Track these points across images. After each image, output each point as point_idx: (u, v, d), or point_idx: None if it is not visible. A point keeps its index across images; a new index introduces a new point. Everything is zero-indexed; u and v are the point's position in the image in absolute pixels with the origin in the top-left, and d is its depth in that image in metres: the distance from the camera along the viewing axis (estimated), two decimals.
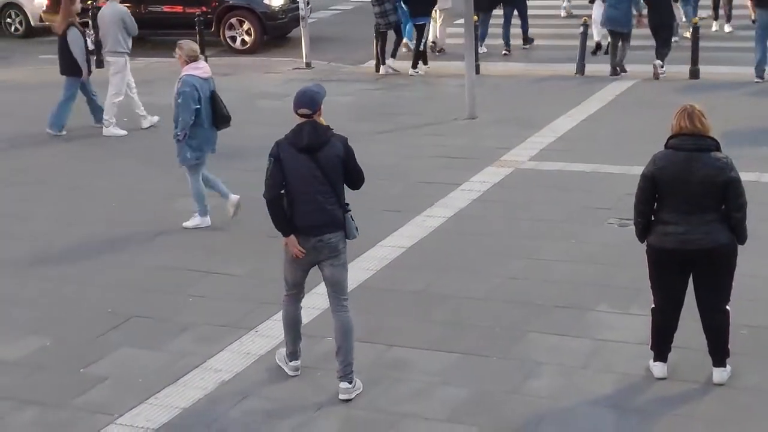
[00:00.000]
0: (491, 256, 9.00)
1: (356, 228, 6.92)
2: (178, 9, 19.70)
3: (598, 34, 17.13)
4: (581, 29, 15.93)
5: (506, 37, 17.75)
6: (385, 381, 6.93)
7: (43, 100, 14.47)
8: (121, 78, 13.79)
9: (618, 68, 15.70)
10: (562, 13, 20.58)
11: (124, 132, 13.83)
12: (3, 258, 9.45)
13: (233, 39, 19.52)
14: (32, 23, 21.75)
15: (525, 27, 18.12)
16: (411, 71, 16.35)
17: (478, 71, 14.62)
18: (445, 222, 9.87)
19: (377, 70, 16.74)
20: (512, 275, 8.56)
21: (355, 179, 6.90)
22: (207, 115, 9.69)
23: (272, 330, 7.71)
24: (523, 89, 15.34)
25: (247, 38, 19.48)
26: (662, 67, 15.39)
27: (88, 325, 7.92)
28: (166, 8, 19.83)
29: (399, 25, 16.74)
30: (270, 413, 6.58)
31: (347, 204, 6.87)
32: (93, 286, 8.65)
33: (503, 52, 17.77)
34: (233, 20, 19.47)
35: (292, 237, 6.71)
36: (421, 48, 16.51)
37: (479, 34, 18.51)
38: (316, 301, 8.16)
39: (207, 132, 9.77)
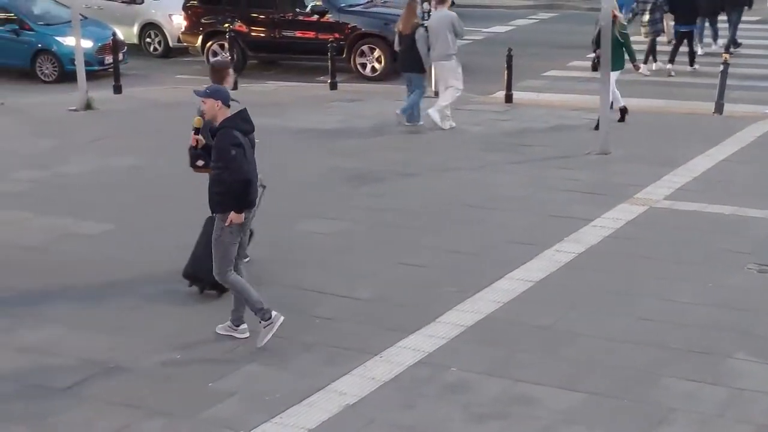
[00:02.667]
0: (623, 295, 8.75)
1: None
2: (311, 35, 19.98)
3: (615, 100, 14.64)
4: (721, 67, 15.52)
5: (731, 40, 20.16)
6: (511, 416, 6.78)
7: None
8: (458, 74, 14.54)
9: None
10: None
11: (453, 124, 14.52)
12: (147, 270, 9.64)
13: (363, 66, 19.68)
14: (170, 43, 22.37)
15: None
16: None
17: (612, 105, 14.33)
18: (576, 258, 9.66)
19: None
20: (645, 316, 8.29)
21: None
22: None
23: (398, 356, 7.64)
24: (658, 126, 14.99)
25: (377, 65, 19.61)
26: None
27: (216, 339, 7.99)
28: (298, 34, 20.14)
29: (660, 34, 19.21)
30: None
31: None
32: (223, 301, 8.73)
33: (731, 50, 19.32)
34: (365, 47, 19.63)
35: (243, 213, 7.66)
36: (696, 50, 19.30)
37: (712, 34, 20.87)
38: (440, 329, 8.09)
39: None
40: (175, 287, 8.90)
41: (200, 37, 20.60)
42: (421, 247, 9.99)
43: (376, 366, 7.50)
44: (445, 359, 7.59)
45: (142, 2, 22.74)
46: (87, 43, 18.43)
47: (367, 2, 20.75)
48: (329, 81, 18.36)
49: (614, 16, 14.11)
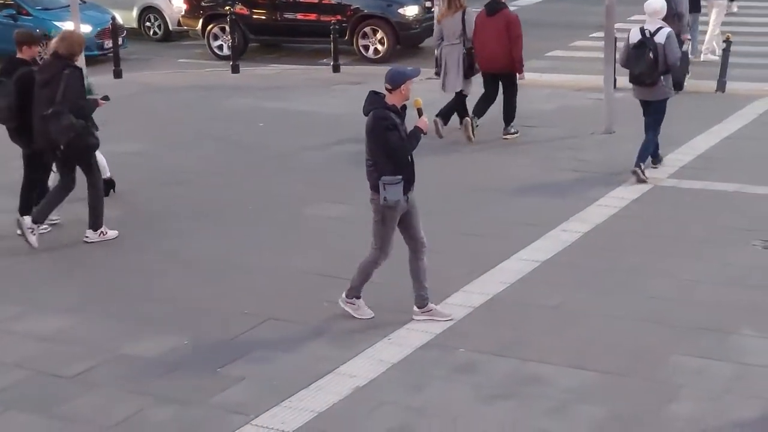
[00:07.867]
0: (629, 274, 8.77)
1: (385, 198, 7.51)
2: (313, 17, 19.90)
3: None
4: (723, 45, 15.48)
5: None
6: (521, 396, 6.80)
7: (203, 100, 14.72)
8: None
9: None
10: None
11: None
12: (148, 256, 9.67)
13: (366, 48, 19.62)
14: (170, 27, 22.27)
15: None
16: None
17: (615, 85, 14.28)
18: (581, 237, 9.68)
19: None
20: (652, 294, 8.32)
21: (380, 151, 7.50)
22: None
23: (405, 339, 7.67)
24: None
25: (380, 47, 19.55)
26: None
27: (224, 325, 8.00)
28: (300, 16, 20.07)
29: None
30: (407, 422, 6.52)
31: (397, 174, 7.53)
32: (230, 287, 8.74)
33: None
34: (367, 29, 19.57)
35: None
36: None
37: None
38: (447, 311, 8.09)
39: None
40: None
41: (201, 21, 20.52)
42: (427, 230, 9.97)
43: (385, 348, 7.53)
44: (454, 341, 7.62)
45: None
46: (86, 28, 18.30)
47: None
48: (332, 64, 18.32)
49: None
